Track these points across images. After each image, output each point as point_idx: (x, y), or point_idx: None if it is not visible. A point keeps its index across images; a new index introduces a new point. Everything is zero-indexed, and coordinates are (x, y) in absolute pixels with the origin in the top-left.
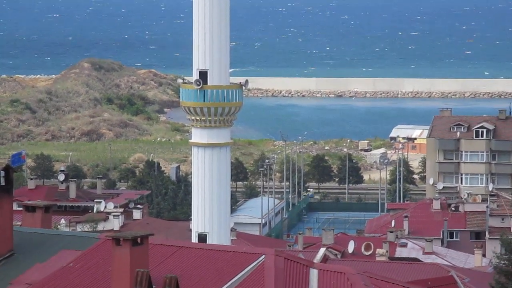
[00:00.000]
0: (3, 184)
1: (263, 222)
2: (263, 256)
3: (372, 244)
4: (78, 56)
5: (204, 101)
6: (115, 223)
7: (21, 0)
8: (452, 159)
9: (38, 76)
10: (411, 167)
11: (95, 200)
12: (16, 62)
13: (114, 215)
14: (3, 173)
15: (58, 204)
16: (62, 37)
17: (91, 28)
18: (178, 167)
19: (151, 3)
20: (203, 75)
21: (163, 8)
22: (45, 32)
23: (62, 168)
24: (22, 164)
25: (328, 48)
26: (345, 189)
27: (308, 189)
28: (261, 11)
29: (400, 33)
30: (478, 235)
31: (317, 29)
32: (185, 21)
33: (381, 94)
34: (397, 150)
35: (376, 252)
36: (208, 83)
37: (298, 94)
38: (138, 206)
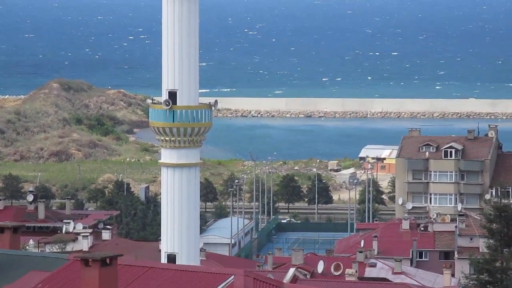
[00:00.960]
0: None
1: (233, 242)
2: (233, 277)
3: (341, 264)
4: (47, 77)
5: (173, 121)
6: (84, 244)
7: None
8: (421, 179)
9: (7, 96)
10: (380, 187)
11: (64, 221)
12: None
13: (83, 236)
14: None
15: (27, 225)
16: (31, 57)
17: (60, 49)
18: (147, 188)
19: (120, 23)
20: (172, 95)
21: (130, 28)
22: (14, 52)
23: (31, 189)
24: None
25: (298, 69)
26: (314, 209)
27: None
28: (232, 32)
29: (370, 53)
30: (447, 255)
31: (287, 49)
32: (154, 41)
33: (350, 114)
34: (366, 170)
35: (346, 272)
36: (178, 103)
37: (268, 114)
38: (107, 226)
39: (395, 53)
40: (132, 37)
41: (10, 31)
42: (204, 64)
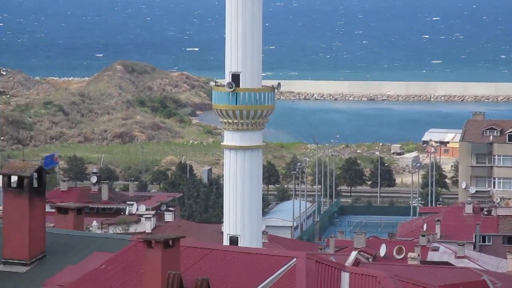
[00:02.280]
0: (35, 186)
1: (295, 225)
2: (295, 259)
3: (403, 248)
4: (111, 59)
5: (236, 104)
6: (147, 226)
7: (56, 4)
8: (485, 163)
9: (72, 78)
10: (443, 171)
11: (127, 202)
12: (50, 64)
13: (146, 218)
14: (35, 175)
15: (90, 206)
16: (96, 39)
17: (125, 31)
18: (210, 170)
19: (186, 6)
20: (235, 77)
21: (197, 12)
22: (78, 34)
23: (95, 170)
24: (55, 166)
25: (362, 52)
26: (377, 192)
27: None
28: (296, 14)
29: (435, 37)
30: (511, 240)
31: (352, 32)
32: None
33: (413, 97)
34: (429, 154)
35: (408, 256)
36: (241, 86)
37: (331, 97)
38: (170, 208)
39: (461, 37)
40: (196, 20)
41: (74, 14)
42: (267, 47)
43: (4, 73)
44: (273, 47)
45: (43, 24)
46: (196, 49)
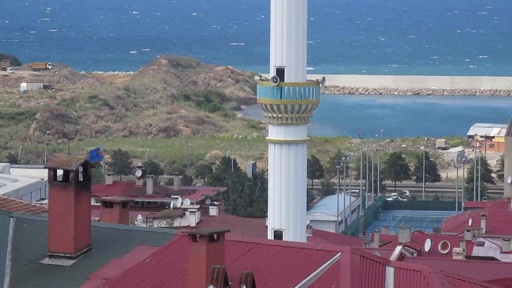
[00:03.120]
0: (81, 180)
1: (339, 219)
2: (339, 254)
3: (449, 243)
4: (156, 53)
5: (281, 98)
6: (191, 220)
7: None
8: None
9: (116, 72)
10: (489, 165)
11: (172, 196)
12: (95, 58)
13: (190, 212)
14: (81, 169)
15: (135, 200)
16: (141, 34)
17: (170, 26)
18: (254, 164)
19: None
20: (280, 72)
21: (242, 6)
22: (123, 28)
23: (139, 164)
24: (100, 160)
25: (407, 46)
26: (422, 187)
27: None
28: (342, 8)
29: (481, 31)
30: None
31: (397, 26)
32: (264, 18)
33: (459, 92)
34: (474, 148)
35: (453, 251)
36: (285, 80)
37: (376, 91)
38: (215, 202)
39: (508, 31)
40: (241, 14)
41: (119, 8)
42: (312, 42)
43: (50, 67)
44: (318, 41)
45: (88, 18)
46: (242, 44)
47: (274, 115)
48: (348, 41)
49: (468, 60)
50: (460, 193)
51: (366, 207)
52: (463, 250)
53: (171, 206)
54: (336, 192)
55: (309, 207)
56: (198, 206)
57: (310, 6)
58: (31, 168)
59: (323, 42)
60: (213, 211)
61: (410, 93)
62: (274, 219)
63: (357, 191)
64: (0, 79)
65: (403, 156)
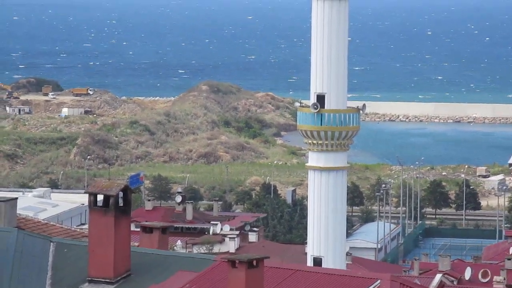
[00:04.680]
0: (121, 205)
1: (379, 247)
2: (379, 281)
3: (489, 271)
4: (197, 79)
5: (321, 124)
6: (231, 246)
7: (141, 25)
8: None
9: (157, 98)
10: None
11: (211, 222)
12: (136, 83)
13: (230, 238)
14: (121, 194)
15: (175, 225)
16: (181, 60)
17: (210, 51)
18: (294, 190)
19: (273, 27)
20: (320, 98)
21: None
22: (164, 54)
23: (179, 190)
24: (140, 185)
25: (448, 73)
26: (462, 215)
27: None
28: (383, 35)
29: None
30: None
31: (438, 53)
32: (304, 45)
33: (500, 120)
34: None
35: (494, 280)
36: (326, 107)
37: (416, 119)
38: (254, 228)
39: None
40: (282, 40)
41: (160, 34)
42: (354, 68)
43: (91, 92)
44: (358, 68)
45: (130, 44)
46: (282, 71)
47: (314, 141)
48: (389, 68)
49: (510, 87)
50: (500, 221)
51: (406, 234)
52: (504, 279)
53: (211, 232)
54: (376, 219)
55: (348, 234)
56: (237, 232)
57: (351, 31)
58: (72, 193)
59: (363, 68)
60: (252, 237)
61: (451, 120)
62: (314, 246)
63: (397, 218)
64: (42, 104)
65: (443, 183)
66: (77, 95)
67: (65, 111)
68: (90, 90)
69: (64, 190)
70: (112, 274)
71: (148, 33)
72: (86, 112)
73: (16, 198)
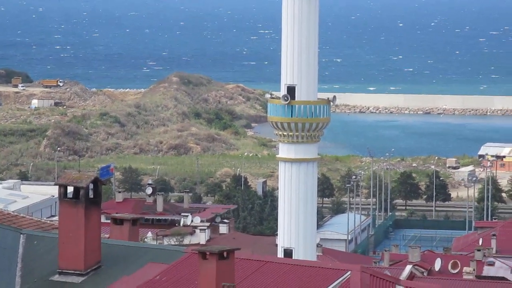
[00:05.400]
0: (91, 196)
1: (349, 238)
2: (349, 272)
3: (459, 262)
4: (167, 71)
5: (291, 116)
6: (201, 237)
7: (115, 16)
8: None
9: (128, 90)
10: (499, 185)
11: (182, 214)
12: (106, 75)
13: (200, 229)
14: (91, 186)
15: (145, 217)
16: (152, 52)
17: (180, 44)
18: (264, 182)
19: (243, 18)
20: (291, 90)
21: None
22: (134, 46)
23: (150, 182)
24: (111, 177)
25: (418, 65)
26: (432, 206)
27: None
28: (353, 27)
29: (494, 50)
30: None
31: (408, 45)
32: (274, 36)
33: (470, 111)
34: (485, 168)
35: (463, 271)
36: (296, 99)
37: (386, 110)
38: (225, 220)
39: None
40: (253, 33)
41: (130, 26)
42: (325, 60)
43: (61, 84)
44: (328, 59)
45: (101, 36)
46: (253, 62)
47: (285, 133)
48: (359, 60)
49: (480, 77)
50: (470, 213)
51: (376, 226)
52: (473, 270)
53: (181, 223)
54: (346, 210)
55: (319, 226)
56: (208, 224)
57: (321, 24)
58: (42, 185)
59: (334, 60)
60: (223, 229)
61: (421, 112)
62: (284, 237)
63: (368, 210)
64: (12, 96)
65: (414, 175)
66: (47, 86)
67: (35, 102)
68: (60, 81)
69: (34, 182)
70: (83, 266)
71: (119, 25)
72: (56, 103)
73: None
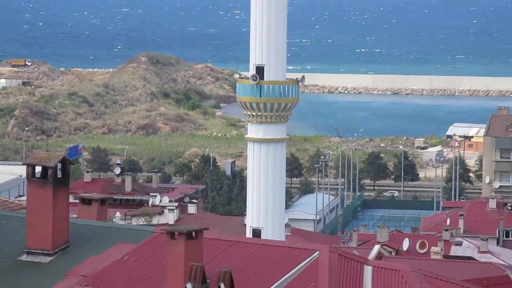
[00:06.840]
0: (59, 176)
1: (318, 218)
2: (318, 252)
3: (427, 242)
4: (136, 51)
5: (260, 96)
6: (170, 217)
7: None
8: (509, 158)
9: (96, 69)
10: (467, 165)
11: (151, 194)
12: (74, 55)
13: (169, 209)
14: (60, 166)
15: (114, 197)
16: (121, 31)
17: (149, 24)
18: (233, 162)
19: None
20: (259, 70)
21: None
22: (102, 26)
23: (118, 162)
24: (79, 157)
25: (387, 46)
26: (400, 186)
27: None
28: (322, 7)
29: (462, 31)
30: None
31: (377, 26)
32: (244, 16)
33: (438, 91)
34: (453, 148)
35: (431, 250)
36: (265, 79)
37: (355, 90)
38: (193, 200)
39: (496, 33)
40: (222, 12)
41: (99, 5)
42: (293, 40)
43: (29, 63)
44: (298, 40)
45: (69, 15)
46: (223, 42)
47: (254, 113)
48: (328, 40)
49: (449, 57)
50: (438, 193)
51: (344, 206)
52: (441, 250)
53: (150, 203)
54: (315, 190)
55: (288, 206)
56: (176, 204)
57: (290, 4)
58: (9, 164)
59: (302, 40)
60: (191, 209)
61: (389, 92)
62: (253, 217)
63: (336, 190)
64: None
65: (382, 155)
66: (14, 66)
67: (2, 82)
68: (28, 61)
69: (1, 161)
70: (51, 245)
71: (88, 4)
72: (24, 83)
73: None
